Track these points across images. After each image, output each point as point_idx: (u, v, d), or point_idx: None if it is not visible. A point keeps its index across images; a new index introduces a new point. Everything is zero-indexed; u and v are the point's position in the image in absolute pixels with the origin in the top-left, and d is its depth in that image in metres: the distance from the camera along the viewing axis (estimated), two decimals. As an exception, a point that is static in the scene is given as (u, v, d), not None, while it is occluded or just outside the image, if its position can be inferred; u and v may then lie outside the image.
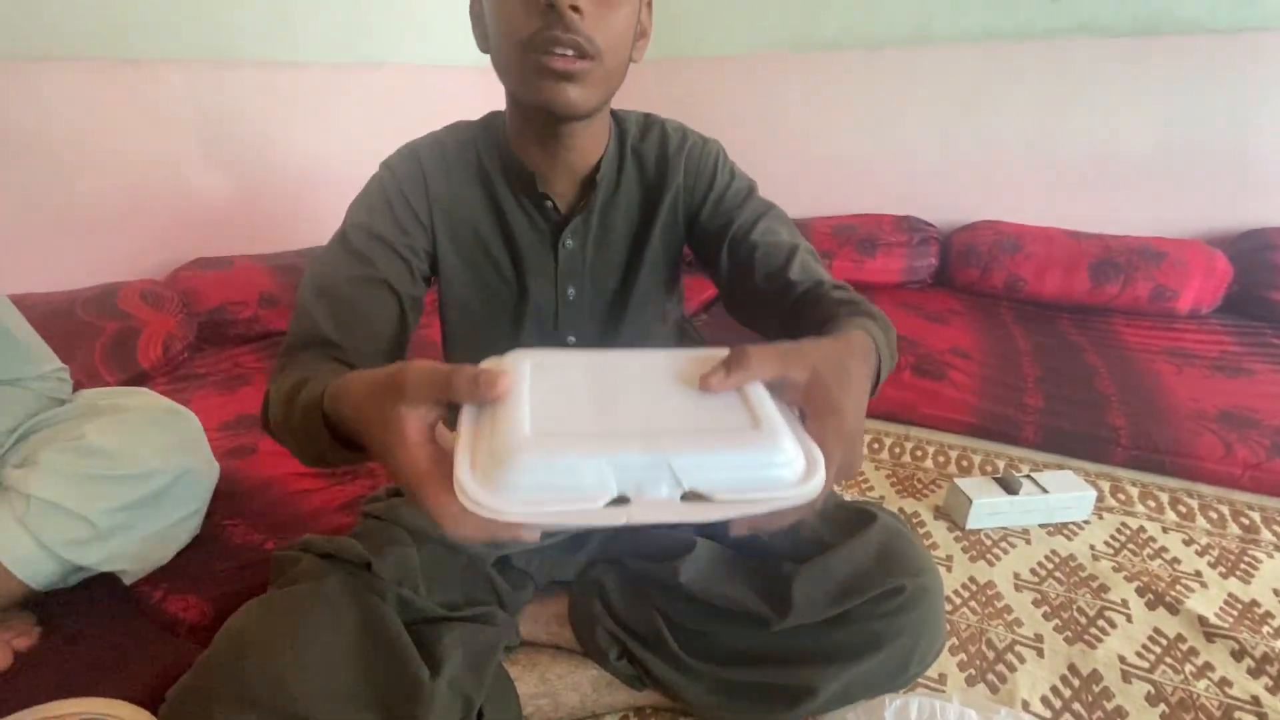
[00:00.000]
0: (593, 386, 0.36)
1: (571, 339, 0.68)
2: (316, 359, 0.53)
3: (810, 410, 0.37)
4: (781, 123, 2.18)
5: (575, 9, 0.48)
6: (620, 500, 0.30)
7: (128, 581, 0.79)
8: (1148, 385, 1.36)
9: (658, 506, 0.30)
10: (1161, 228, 1.80)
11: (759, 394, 0.35)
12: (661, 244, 0.68)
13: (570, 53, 0.49)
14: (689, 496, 0.30)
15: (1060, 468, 1.16)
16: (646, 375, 0.37)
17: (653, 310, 0.71)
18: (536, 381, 0.35)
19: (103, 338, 1.25)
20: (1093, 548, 1.00)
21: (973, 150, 1.97)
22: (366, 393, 0.37)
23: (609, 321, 0.69)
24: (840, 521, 0.67)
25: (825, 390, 0.37)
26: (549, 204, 0.62)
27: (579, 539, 0.76)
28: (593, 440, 0.31)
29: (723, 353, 0.37)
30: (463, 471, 0.30)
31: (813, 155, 2.16)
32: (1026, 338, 1.62)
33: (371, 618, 0.55)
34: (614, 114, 0.66)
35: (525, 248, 0.64)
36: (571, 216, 0.63)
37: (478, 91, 2.45)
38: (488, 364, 0.37)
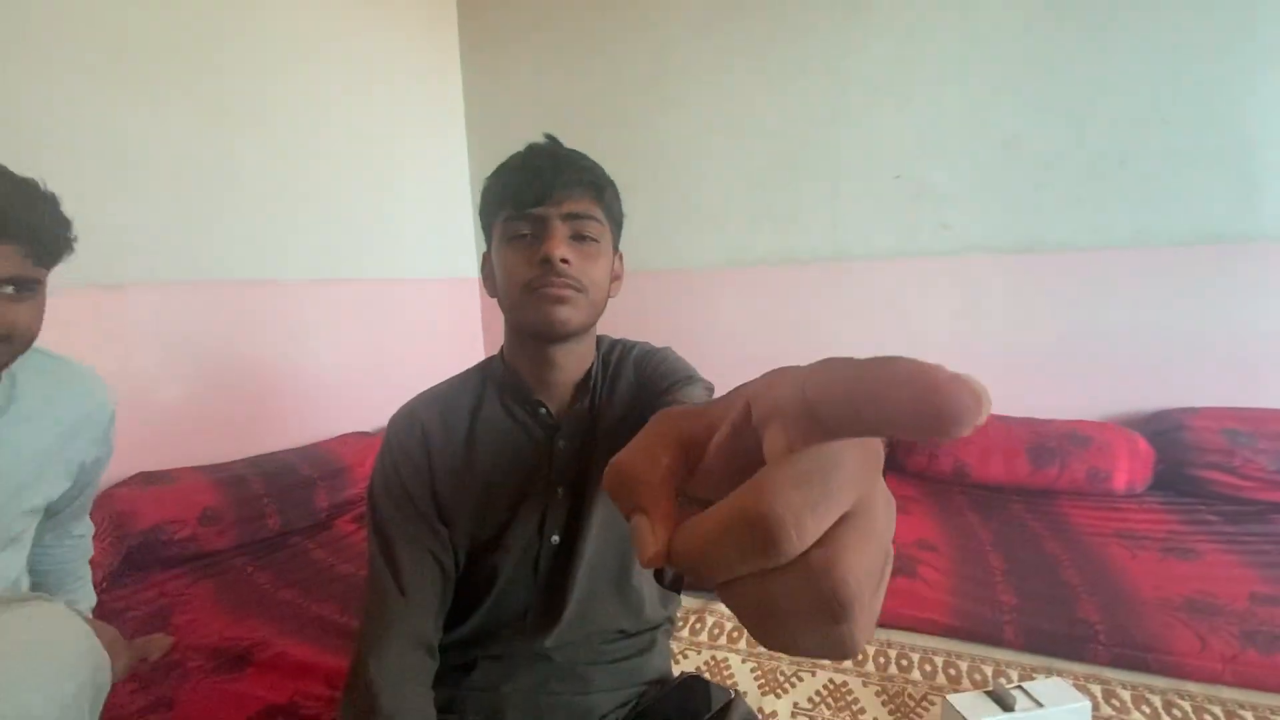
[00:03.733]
0: None
1: (555, 538, 0.69)
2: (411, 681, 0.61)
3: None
4: (717, 328, 2.38)
5: (565, 261, 0.62)
6: None
7: None
8: (1109, 574, 1.37)
9: None
10: (1078, 411, 1.96)
11: None
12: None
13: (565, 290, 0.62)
14: None
15: (1048, 672, 1.11)
16: None
17: None
18: None
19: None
20: (1102, 768, 0.92)
21: (893, 350, 2.16)
22: None
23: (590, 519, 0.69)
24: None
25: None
26: (543, 410, 0.69)
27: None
28: None
29: None
30: None
31: (745, 355, 2.31)
32: (984, 525, 1.65)
33: None
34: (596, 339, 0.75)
35: (520, 454, 0.69)
36: (562, 421, 0.70)
37: (444, 300, 2.63)
38: None
